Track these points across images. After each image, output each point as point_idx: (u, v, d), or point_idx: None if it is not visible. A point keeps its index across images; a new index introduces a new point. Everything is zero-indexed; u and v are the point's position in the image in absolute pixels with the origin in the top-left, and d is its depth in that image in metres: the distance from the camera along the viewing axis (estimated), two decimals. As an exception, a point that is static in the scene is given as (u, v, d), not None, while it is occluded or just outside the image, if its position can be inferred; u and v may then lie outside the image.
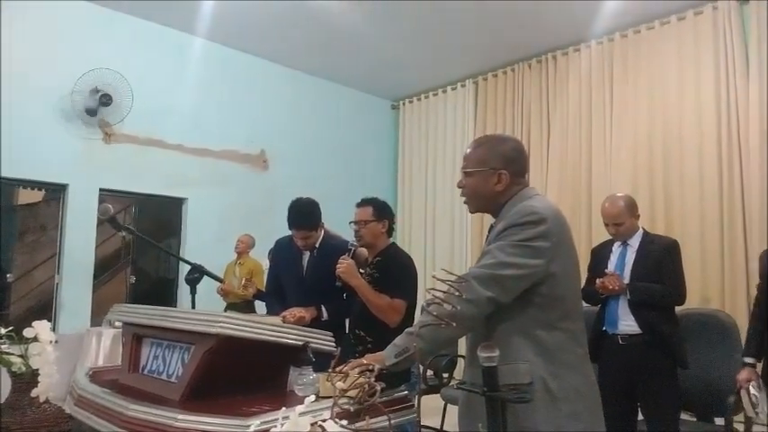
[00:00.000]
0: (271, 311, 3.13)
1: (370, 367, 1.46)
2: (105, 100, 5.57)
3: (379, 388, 1.19)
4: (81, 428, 1.79)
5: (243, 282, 5.68)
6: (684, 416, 3.11)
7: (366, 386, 1.29)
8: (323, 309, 2.97)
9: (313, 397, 1.08)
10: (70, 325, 5.51)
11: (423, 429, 4.57)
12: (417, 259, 7.77)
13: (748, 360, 2.82)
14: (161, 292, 6.51)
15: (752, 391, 2.71)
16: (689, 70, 5.73)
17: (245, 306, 5.70)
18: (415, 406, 2.88)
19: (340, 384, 1.15)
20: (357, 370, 1.40)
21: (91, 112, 5.64)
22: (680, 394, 2.97)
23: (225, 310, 5.64)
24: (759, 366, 2.81)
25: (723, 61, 5.53)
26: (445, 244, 7.66)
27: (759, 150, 5.22)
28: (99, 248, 6.13)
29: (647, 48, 6.06)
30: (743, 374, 2.78)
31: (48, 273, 5.90)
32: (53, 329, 5.65)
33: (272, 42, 6.68)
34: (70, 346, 5.32)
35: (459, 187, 1.84)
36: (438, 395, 4.23)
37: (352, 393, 1.30)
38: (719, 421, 3.07)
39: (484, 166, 1.77)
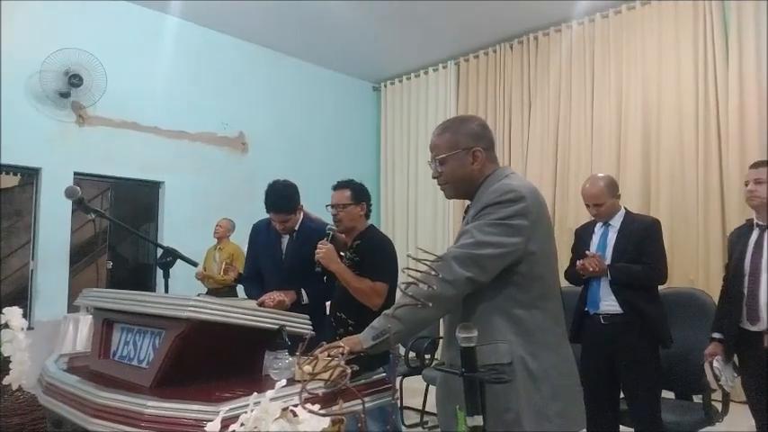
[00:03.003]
0: (250, 296, 3.08)
1: (341, 350, 1.42)
2: (76, 81, 5.42)
3: (349, 371, 1.16)
4: (55, 416, 1.74)
5: (223, 267, 5.61)
6: (664, 394, 3.14)
7: (336, 369, 1.25)
8: (303, 292, 2.93)
9: (284, 381, 1.04)
10: (47, 312, 5.42)
11: (405, 410, 4.59)
12: (400, 241, 7.86)
13: (716, 335, 2.87)
14: (139, 278, 6.42)
15: (715, 364, 2.77)
16: (669, 50, 5.75)
17: (226, 291, 5.64)
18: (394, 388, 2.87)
19: (307, 368, 1.11)
20: (327, 353, 1.36)
21: (63, 94, 5.50)
22: (661, 372, 2.99)
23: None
24: None
25: (702, 41, 5.55)
26: (428, 226, 7.66)
27: (738, 129, 5.26)
28: (76, 234, 6.02)
29: (628, 28, 6.05)
30: (709, 349, 2.85)
31: (24, 259, 5.78)
32: (28, 316, 5.49)
33: (248, 22, 6.55)
34: (47, 333, 5.24)
35: (435, 177, 1.80)
36: (420, 376, 4.24)
37: (323, 377, 1.26)
38: (698, 399, 3.09)
39: (456, 148, 1.73)
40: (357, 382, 1.57)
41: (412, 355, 4.39)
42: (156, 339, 1.65)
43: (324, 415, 0.86)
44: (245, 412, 1.10)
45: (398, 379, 4.45)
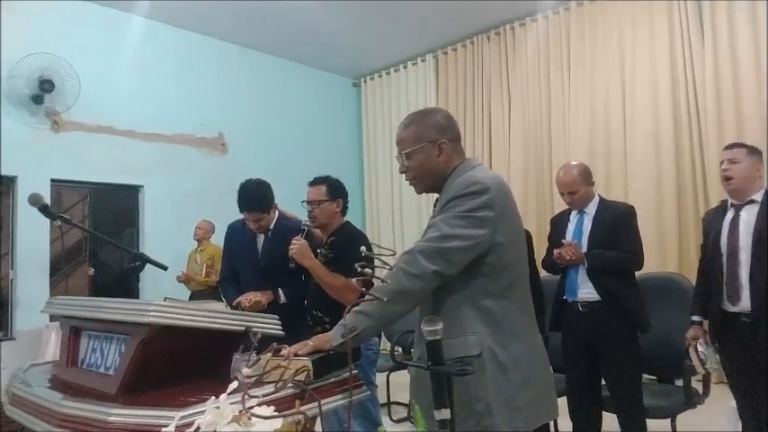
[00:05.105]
0: (227, 297, 3.06)
1: (282, 352, 1.41)
2: (47, 86, 5.34)
3: (292, 371, 1.14)
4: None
5: (204, 269, 5.59)
6: (646, 378, 3.16)
7: (285, 371, 1.24)
8: (280, 292, 2.92)
9: (235, 384, 1.02)
10: (28, 321, 5.35)
11: (392, 405, 4.59)
12: (386, 237, 7.81)
13: (695, 318, 2.90)
14: (122, 283, 6.34)
15: (699, 348, 2.79)
16: (644, 36, 5.78)
17: (209, 293, 5.61)
18: (371, 382, 2.86)
19: (246, 371, 1.10)
20: (270, 355, 1.35)
21: (36, 100, 5.41)
22: (641, 358, 3.00)
23: (190, 299, 5.55)
24: (706, 324, 2.89)
25: (677, 25, 5.58)
26: (413, 221, 7.62)
27: (715, 113, 5.30)
28: (56, 241, 5.93)
29: (603, 15, 6.08)
30: (690, 332, 2.88)
31: (5, 269, 5.70)
32: (9, 326, 5.39)
33: (222, 21, 6.48)
34: (29, 342, 5.18)
35: (402, 172, 1.79)
36: (406, 371, 4.23)
37: (272, 377, 1.25)
38: (679, 382, 3.11)
39: (421, 141, 1.73)
40: (327, 380, 1.55)
41: (398, 350, 4.39)
42: (122, 346, 1.63)
43: (267, 417, 0.85)
44: (201, 417, 1.09)
45: (385, 374, 4.44)
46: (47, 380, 1.84)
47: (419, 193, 1.86)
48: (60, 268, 6.09)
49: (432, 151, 1.72)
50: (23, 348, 5.08)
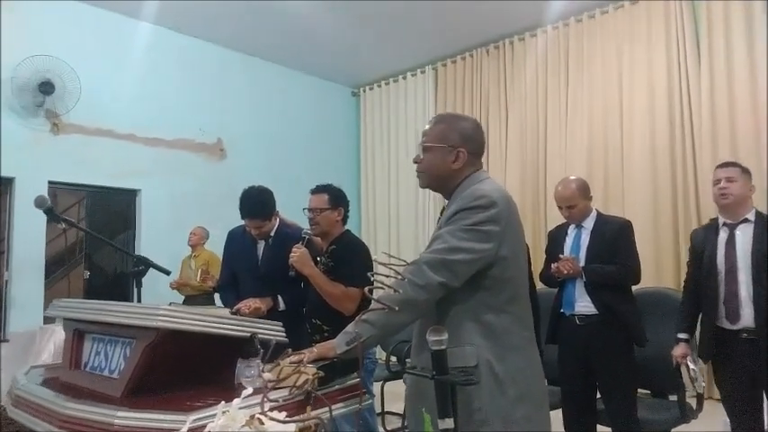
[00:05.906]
0: (226, 303, 3.07)
1: (303, 358, 1.42)
2: (47, 88, 5.35)
3: (311, 377, 1.16)
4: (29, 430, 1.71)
5: (200, 274, 5.58)
6: (640, 392, 3.17)
7: (300, 377, 1.25)
8: (279, 299, 2.92)
9: (250, 390, 1.04)
10: (22, 323, 5.32)
11: (386, 415, 4.58)
12: (382, 245, 7.82)
13: (682, 336, 2.91)
14: (117, 287, 6.33)
15: (690, 366, 2.80)
16: (641, 53, 5.84)
17: (204, 299, 5.60)
18: (369, 392, 2.87)
19: (267, 376, 1.11)
20: (288, 360, 1.36)
21: (37, 102, 5.42)
22: (636, 371, 3.02)
23: (183, 304, 5.53)
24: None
25: (675, 43, 5.65)
26: (409, 230, 7.65)
27: (710, 129, 5.36)
28: (52, 244, 5.92)
29: (601, 31, 6.14)
30: (678, 350, 2.88)
31: (1, 270, 5.67)
32: (3, 328, 5.36)
33: (225, 28, 6.52)
34: (23, 344, 5.16)
35: (415, 162, 1.82)
36: (401, 381, 4.23)
37: (288, 383, 1.26)
38: (674, 397, 3.13)
39: (443, 142, 1.75)
40: (331, 387, 1.57)
41: (393, 359, 4.39)
42: (127, 349, 1.63)
43: (285, 422, 0.86)
44: (213, 421, 1.10)
45: (379, 384, 4.44)
46: (49, 382, 1.84)
47: (422, 186, 1.87)
48: (55, 270, 6.07)
49: (448, 155, 1.74)
50: (17, 350, 5.05)
